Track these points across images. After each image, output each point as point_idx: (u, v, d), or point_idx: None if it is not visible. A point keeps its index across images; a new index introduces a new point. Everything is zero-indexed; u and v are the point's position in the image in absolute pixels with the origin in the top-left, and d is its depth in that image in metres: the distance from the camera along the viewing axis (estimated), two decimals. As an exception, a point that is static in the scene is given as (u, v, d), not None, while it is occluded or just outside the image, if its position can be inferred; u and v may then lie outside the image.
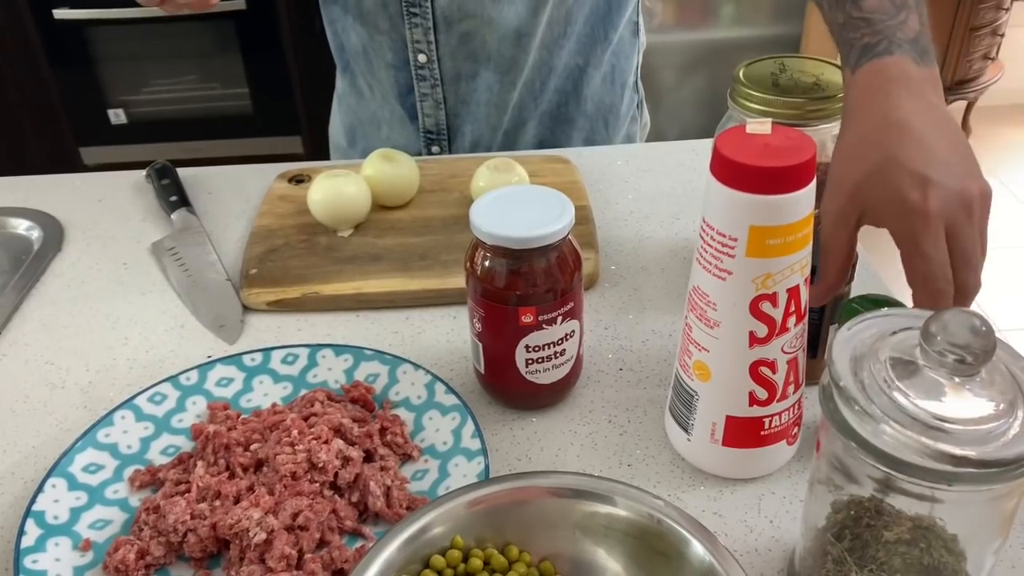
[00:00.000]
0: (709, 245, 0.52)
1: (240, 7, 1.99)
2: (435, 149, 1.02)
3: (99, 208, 0.90)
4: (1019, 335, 2.13)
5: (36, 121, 2.23)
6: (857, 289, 0.74)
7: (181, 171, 0.93)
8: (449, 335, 0.72)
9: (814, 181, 0.49)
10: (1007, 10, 2.59)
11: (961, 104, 2.79)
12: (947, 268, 0.51)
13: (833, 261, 0.55)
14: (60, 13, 2.06)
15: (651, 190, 0.90)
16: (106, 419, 0.61)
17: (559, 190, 0.84)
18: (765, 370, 0.54)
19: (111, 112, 2.25)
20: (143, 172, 0.93)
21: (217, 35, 2.15)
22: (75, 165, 2.28)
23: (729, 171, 0.49)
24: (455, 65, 0.95)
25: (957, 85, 2.64)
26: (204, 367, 0.66)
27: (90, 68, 2.18)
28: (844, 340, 0.44)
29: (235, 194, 0.91)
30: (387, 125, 1.03)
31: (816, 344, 0.62)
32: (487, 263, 0.59)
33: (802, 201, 0.49)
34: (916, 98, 0.54)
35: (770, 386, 0.54)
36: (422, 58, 0.95)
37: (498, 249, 0.58)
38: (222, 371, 0.66)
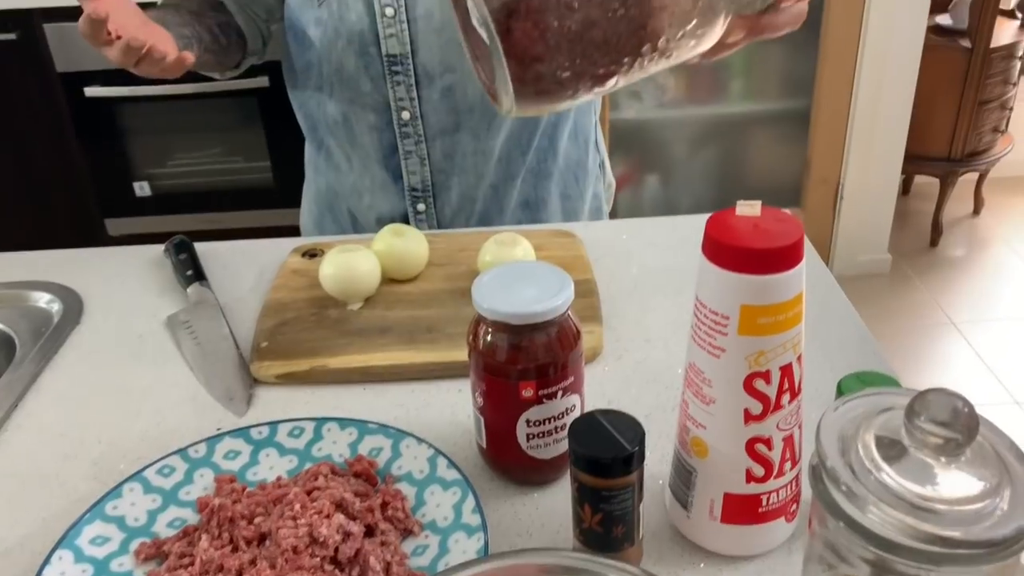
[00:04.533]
0: (703, 323, 0.53)
1: (264, 84, 2.06)
2: (421, 207, 1.05)
3: (118, 282, 0.93)
4: (1039, 407, 2.10)
5: (63, 193, 2.29)
6: (857, 366, 0.75)
7: (199, 245, 0.96)
8: (453, 408, 0.73)
9: (803, 262, 0.51)
10: (1015, 84, 2.63)
11: (973, 176, 2.81)
12: None
13: None
14: (91, 91, 2.14)
15: (656, 264, 0.92)
16: (115, 491, 0.62)
17: (564, 264, 0.87)
18: (761, 447, 0.54)
19: (136, 185, 2.31)
20: (162, 247, 0.96)
21: (241, 111, 2.21)
22: (100, 236, 2.34)
23: (720, 252, 0.51)
24: (438, 120, 0.99)
25: (968, 157, 2.67)
26: (212, 440, 0.67)
27: (117, 142, 2.25)
28: (832, 420, 0.45)
29: (250, 268, 0.94)
30: (369, 193, 1.06)
31: (631, 528, 0.56)
32: (488, 338, 0.60)
33: (792, 281, 0.50)
34: None
35: (767, 463, 0.55)
36: (406, 115, 0.98)
37: (499, 324, 0.59)
38: (230, 444, 0.67)
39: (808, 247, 0.94)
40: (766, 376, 0.52)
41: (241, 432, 0.68)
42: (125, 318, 0.87)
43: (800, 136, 2.48)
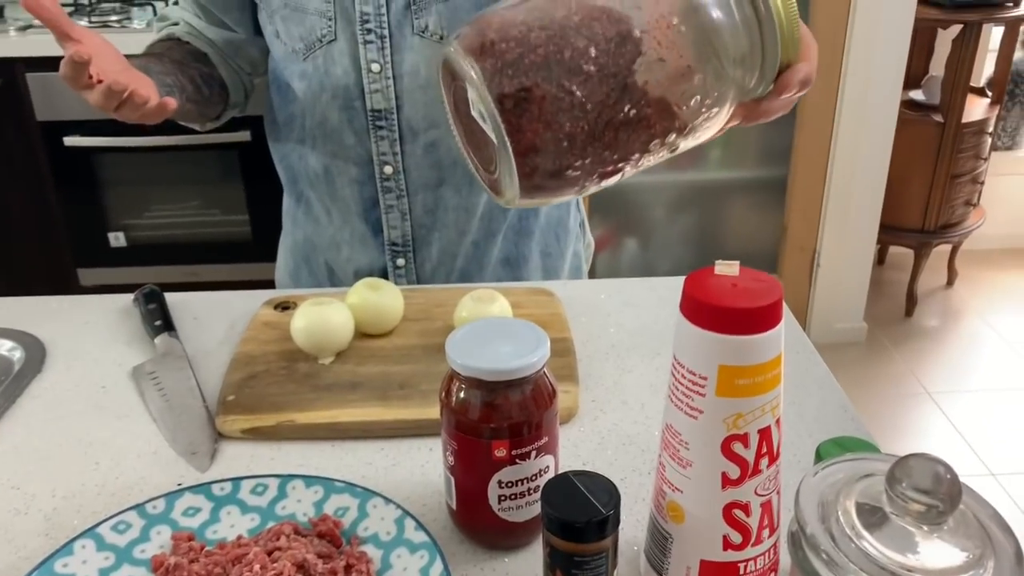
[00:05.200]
0: (680, 383, 0.52)
1: (245, 139, 2.06)
2: (400, 261, 1.04)
3: (84, 330, 0.91)
4: (1014, 479, 2.10)
5: (36, 241, 2.26)
6: (836, 431, 0.74)
7: (169, 296, 0.94)
8: (424, 468, 0.71)
9: (782, 323, 0.50)
10: (986, 159, 2.69)
11: (946, 247, 2.85)
12: None
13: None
14: (70, 140, 2.13)
15: (633, 325, 0.91)
16: (65, 548, 0.59)
17: (542, 322, 0.86)
18: (739, 513, 0.53)
19: (111, 235, 2.29)
20: (131, 296, 0.94)
21: (221, 164, 2.21)
22: (71, 286, 2.30)
23: (699, 311, 0.50)
24: (421, 175, 0.98)
25: (941, 229, 2.71)
26: (172, 496, 0.64)
27: (94, 192, 2.24)
28: (812, 485, 0.43)
29: (221, 320, 0.92)
30: (347, 246, 1.05)
31: None
32: (461, 394, 0.59)
33: (770, 342, 0.50)
34: None
35: (744, 530, 0.53)
36: (388, 169, 0.98)
37: (472, 380, 0.58)
38: (190, 500, 0.64)
39: (786, 312, 0.93)
40: (744, 439, 0.51)
41: (202, 488, 0.65)
42: (89, 368, 0.84)
43: (777, 204, 2.51)
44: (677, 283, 1.00)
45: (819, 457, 0.57)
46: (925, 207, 2.67)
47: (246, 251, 2.30)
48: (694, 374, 0.51)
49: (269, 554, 0.58)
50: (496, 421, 0.58)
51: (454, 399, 0.59)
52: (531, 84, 0.51)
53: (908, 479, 0.40)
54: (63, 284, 2.30)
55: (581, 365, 0.83)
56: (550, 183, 0.54)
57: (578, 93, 0.51)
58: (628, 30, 0.52)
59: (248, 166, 2.19)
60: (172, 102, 0.84)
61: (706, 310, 0.49)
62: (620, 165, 0.55)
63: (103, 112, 0.81)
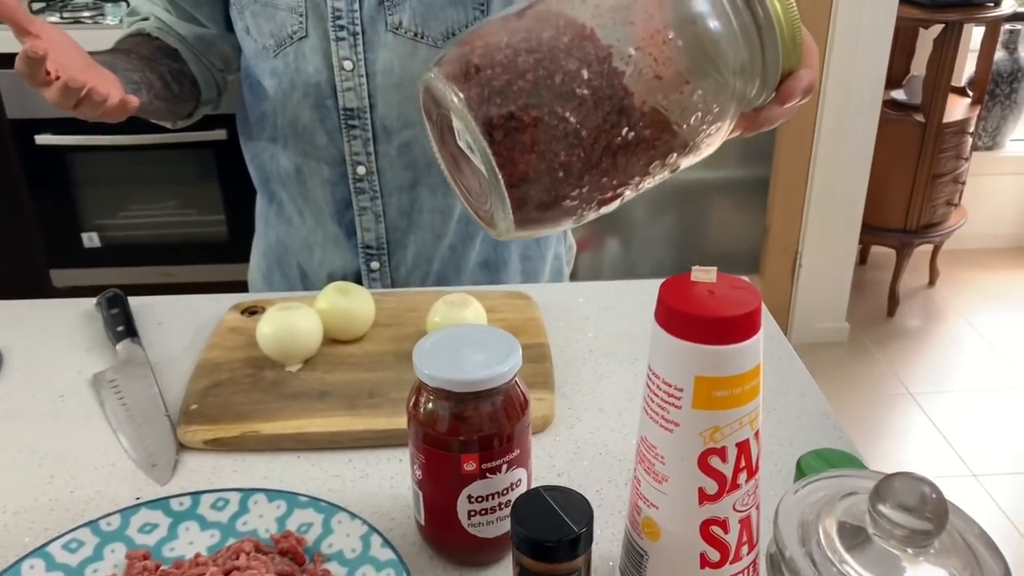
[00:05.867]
0: (655, 394, 0.50)
1: (221, 137, 2.02)
2: (374, 265, 1.01)
3: (44, 336, 0.87)
4: (995, 479, 2.09)
5: (7, 241, 2.22)
6: (817, 442, 0.72)
7: (134, 300, 0.91)
8: (393, 480, 0.68)
9: (760, 332, 0.48)
10: (967, 159, 2.69)
11: (927, 247, 2.85)
12: None
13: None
14: (42, 139, 2.09)
15: (612, 329, 0.89)
16: (12, 569, 0.56)
17: (517, 327, 0.84)
18: (717, 529, 0.51)
19: (85, 235, 2.25)
20: (94, 300, 0.91)
21: (196, 163, 2.17)
22: (43, 287, 2.26)
23: (674, 319, 0.48)
24: (395, 176, 0.96)
25: (923, 229, 2.71)
26: (128, 511, 0.62)
27: (67, 191, 2.19)
28: (792, 504, 0.41)
29: (186, 325, 0.89)
30: (320, 248, 1.02)
31: None
32: (429, 406, 0.56)
33: (749, 352, 0.47)
34: None
35: (722, 547, 0.51)
36: (361, 170, 0.95)
37: (440, 392, 0.56)
38: (146, 516, 0.62)
39: (766, 316, 0.91)
40: (722, 453, 0.49)
41: (160, 503, 0.62)
42: (47, 375, 0.81)
43: (759, 204, 2.50)
44: (657, 287, 0.98)
45: (800, 471, 0.55)
46: (907, 207, 2.67)
47: (223, 252, 2.26)
48: (670, 385, 0.48)
49: (227, 574, 0.55)
50: (465, 434, 0.55)
51: (422, 411, 0.57)
52: (521, 112, 0.47)
53: (893, 499, 0.38)
54: (35, 285, 2.26)
55: (557, 371, 0.81)
56: (546, 215, 0.51)
57: (572, 119, 0.48)
58: (622, 49, 0.49)
59: (224, 165, 2.15)
60: (134, 100, 0.81)
61: (682, 319, 0.47)
62: (620, 190, 0.52)
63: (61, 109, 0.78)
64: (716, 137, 0.54)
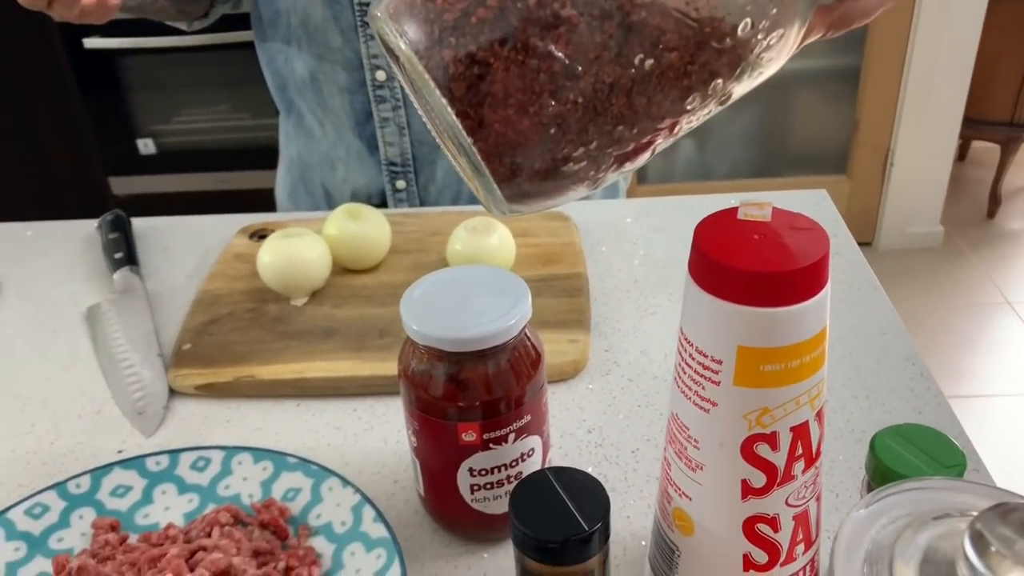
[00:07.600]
0: (688, 365, 0.39)
1: (268, 37, 1.93)
2: (400, 184, 0.91)
3: (43, 264, 0.81)
4: (1102, 399, 1.92)
5: (65, 151, 2.20)
6: (900, 401, 0.60)
7: (139, 221, 0.84)
8: (400, 434, 0.60)
9: (827, 288, 0.37)
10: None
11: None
12: None
13: None
14: (90, 42, 2.03)
15: (662, 254, 0.78)
16: (-33, 539, 0.51)
17: (551, 254, 0.73)
18: (764, 528, 0.41)
19: (140, 142, 2.21)
20: (96, 222, 0.84)
21: (245, 65, 2.08)
22: (104, 195, 2.25)
23: (711, 273, 0.37)
24: None
25: None
26: (99, 472, 0.55)
27: (120, 97, 2.15)
28: (857, 526, 0.31)
29: (192, 250, 0.81)
30: (343, 164, 0.92)
31: None
32: (421, 367, 0.47)
33: (809, 316, 0.36)
34: None
35: (771, 547, 0.41)
36: (380, 75, 0.84)
37: (433, 351, 0.46)
38: (120, 477, 0.55)
39: (847, 240, 0.79)
40: (771, 440, 0.38)
41: (135, 462, 0.56)
42: (42, 308, 0.75)
43: (848, 97, 2.29)
44: (721, 202, 0.86)
45: (873, 453, 0.44)
46: (1016, 97, 2.41)
47: (277, 157, 2.20)
48: (705, 356, 0.38)
49: (193, 554, 0.48)
50: (464, 400, 0.46)
51: (412, 371, 0.47)
52: (485, 53, 0.33)
53: (1003, 538, 0.27)
54: (96, 194, 2.25)
55: (595, 305, 0.71)
56: (546, 185, 0.36)
57: (558, 52, 0.33)
58: None
59: (273, 66, 2.06)
60: None
61: (722, 272, 0.36)
62: (646, 139, 0.36)
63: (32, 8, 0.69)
64: (779, 49, 0.39)
